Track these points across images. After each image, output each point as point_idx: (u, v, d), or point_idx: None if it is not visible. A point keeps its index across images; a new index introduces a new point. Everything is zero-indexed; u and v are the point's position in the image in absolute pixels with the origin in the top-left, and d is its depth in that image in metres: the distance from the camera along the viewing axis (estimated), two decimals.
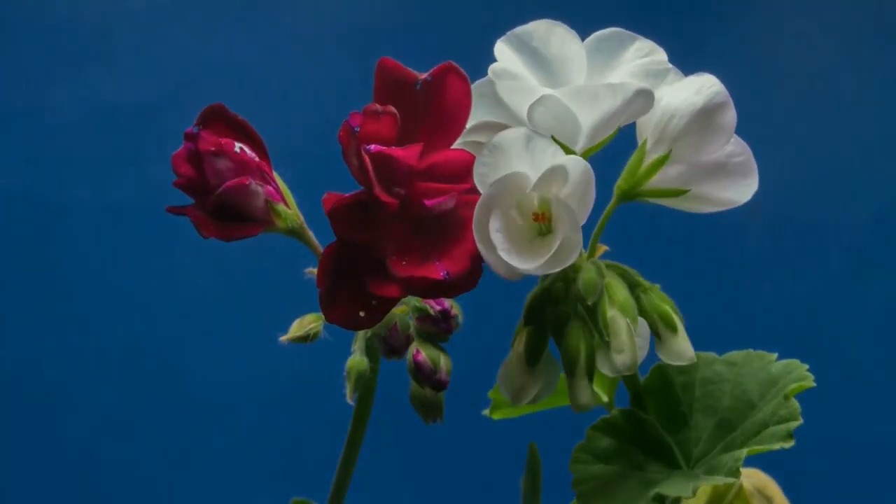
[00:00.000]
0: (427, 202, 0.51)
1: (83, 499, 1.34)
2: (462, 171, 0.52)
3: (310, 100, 1.29)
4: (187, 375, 1.34)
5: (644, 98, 0.51)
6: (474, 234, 0.50)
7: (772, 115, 1.31)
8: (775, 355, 0.60)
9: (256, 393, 1.33)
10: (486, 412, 0.70)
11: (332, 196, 0.52)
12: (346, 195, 0.52)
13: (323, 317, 0.58)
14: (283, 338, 0.58)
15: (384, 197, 0.51)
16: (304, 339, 0.58)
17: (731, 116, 0.53)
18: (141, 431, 1.34)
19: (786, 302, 1.30)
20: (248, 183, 0.55)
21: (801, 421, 0.55)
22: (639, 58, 0.53)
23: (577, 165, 0.50)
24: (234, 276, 1.33)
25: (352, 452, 0.63)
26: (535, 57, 0.53)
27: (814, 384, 0.56)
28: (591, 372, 0.53)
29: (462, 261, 0.50)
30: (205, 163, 0.54)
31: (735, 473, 0.54)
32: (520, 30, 0.54)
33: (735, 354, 0.61)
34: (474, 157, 0.51)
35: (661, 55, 0.53)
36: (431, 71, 0.53)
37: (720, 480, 0.54)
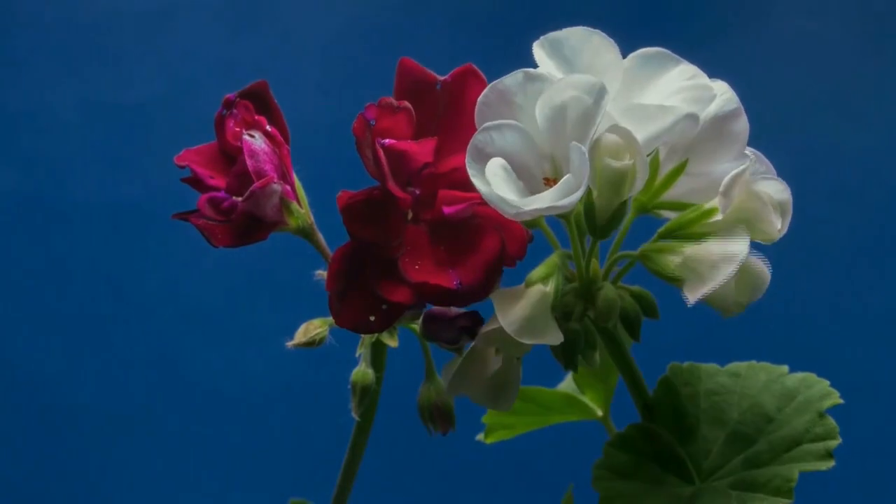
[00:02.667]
0: (446, 209, 0.51)
1: (83, 498, 1.34)
2: None
3: (312, 100, 1.29)
4: (187, 375, 1.34)
5: (690, 122, 0.50)
6: (468, 169, 0.49)
7: (771, 116, 1.30)
8: (785, 368, 0.59)
9: (256, 393, 1.33)
10: (480, 437, 0.70)
11: (346, 193, 0.51)
12: (360, 191, 0.52)
13: (329, 321, 0.58)
14: (290, 343, 0.57)
15: (397, 191, 0.51)
16: (311, 344, 0.57)
17: (743, 124, 0.52)
18: (141, 432, 1.34)
19: (783, 305, 1.30)
20: (273, 182, 0.54)
21: (839, 440, 0.55)
22: (682, 81, 0.52)
23: (578, 101, 0.48)
24: (236, 275, 1.32)
25: (354, 459, 0.63)
26: (566, 64, 0.52)
27: (840, 401, 0.56)
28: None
29: (476, 271, 0.50)
30: (244, 144, 0.54)
31: (787, 494, 0.54)
32: (553, 35, 0.52)
33: (739, 365, 0.60)
34: None
35: (704, 80, 0.52)
36: (451, 73, 0.53)
37: (771, 501, 0.53)
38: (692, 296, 0.50)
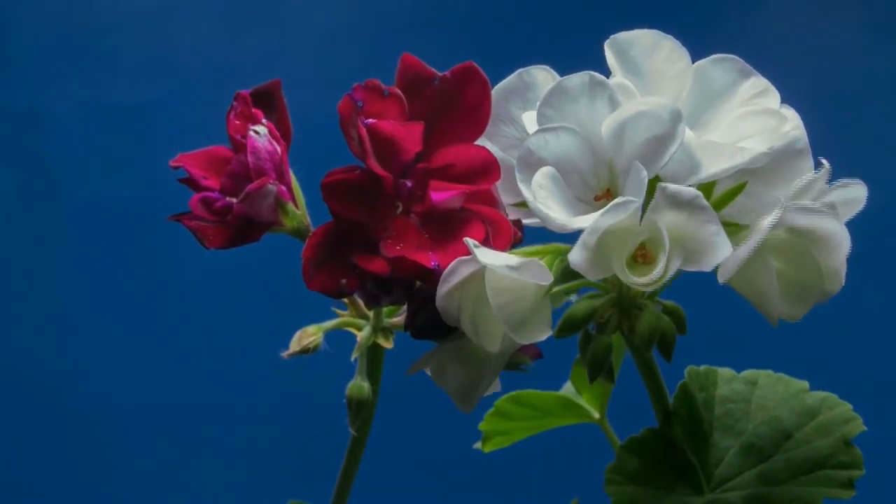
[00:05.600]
0: (434, 196, 0.51)
1: (83, 498, 1.34)
2: (479, 170, 0.52)
3: (312, 100, 1.28)
4: (187, 376, 1.34)
5: (763, 160, 0.49)
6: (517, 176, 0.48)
7: None
8: (805, 384, 0.58)
9: (256, 394, 1.33)
10: (477, 445, 0.69)
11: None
12: (341, 168, 0.52)
13: (323, 327, 0.58)
14: (285, 353, 0.57)
15: (378, 169, 0.51)
16: (305, 352, 0.57)
17: (808, 164, 0.51)
18: (141, 433, 1.33)
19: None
20: (269, 183, 0.54)
21: (863, 471, 0.54)
22: (752, 96, 0.51)
23: (654, 122, 0.47)
24: (236, 275, 1.32)
25: (352, 464, 0.63)
26: (632, 67, 0.51)
27: (864, 428, 0.55)
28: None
29: (455, 258, 0.50)
30: (248, 142, 0.54)
31: None
32: (622, 35, 0.51)
33: (755, 373, 0.59)
34: (493, 156, 0.51)
35: (774, 102, 0.51)
36: (451, 69, 0.53)
37: None
38: (723, 276, 0.48)
